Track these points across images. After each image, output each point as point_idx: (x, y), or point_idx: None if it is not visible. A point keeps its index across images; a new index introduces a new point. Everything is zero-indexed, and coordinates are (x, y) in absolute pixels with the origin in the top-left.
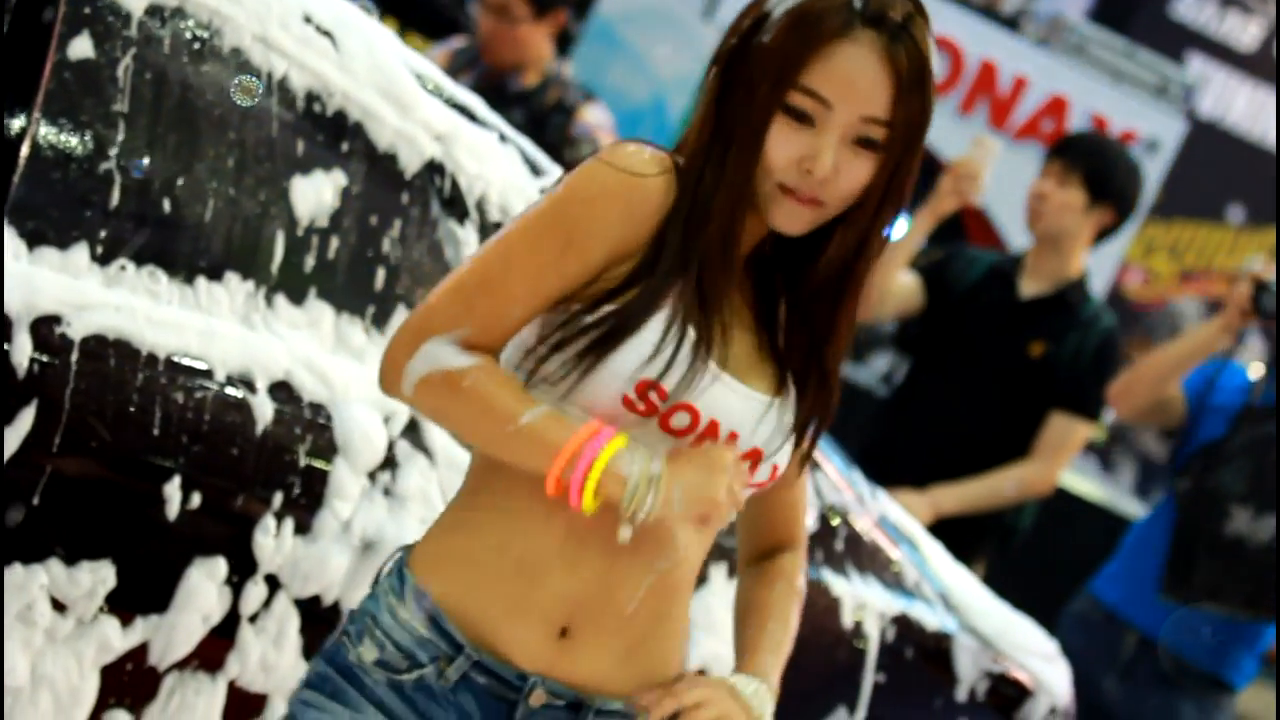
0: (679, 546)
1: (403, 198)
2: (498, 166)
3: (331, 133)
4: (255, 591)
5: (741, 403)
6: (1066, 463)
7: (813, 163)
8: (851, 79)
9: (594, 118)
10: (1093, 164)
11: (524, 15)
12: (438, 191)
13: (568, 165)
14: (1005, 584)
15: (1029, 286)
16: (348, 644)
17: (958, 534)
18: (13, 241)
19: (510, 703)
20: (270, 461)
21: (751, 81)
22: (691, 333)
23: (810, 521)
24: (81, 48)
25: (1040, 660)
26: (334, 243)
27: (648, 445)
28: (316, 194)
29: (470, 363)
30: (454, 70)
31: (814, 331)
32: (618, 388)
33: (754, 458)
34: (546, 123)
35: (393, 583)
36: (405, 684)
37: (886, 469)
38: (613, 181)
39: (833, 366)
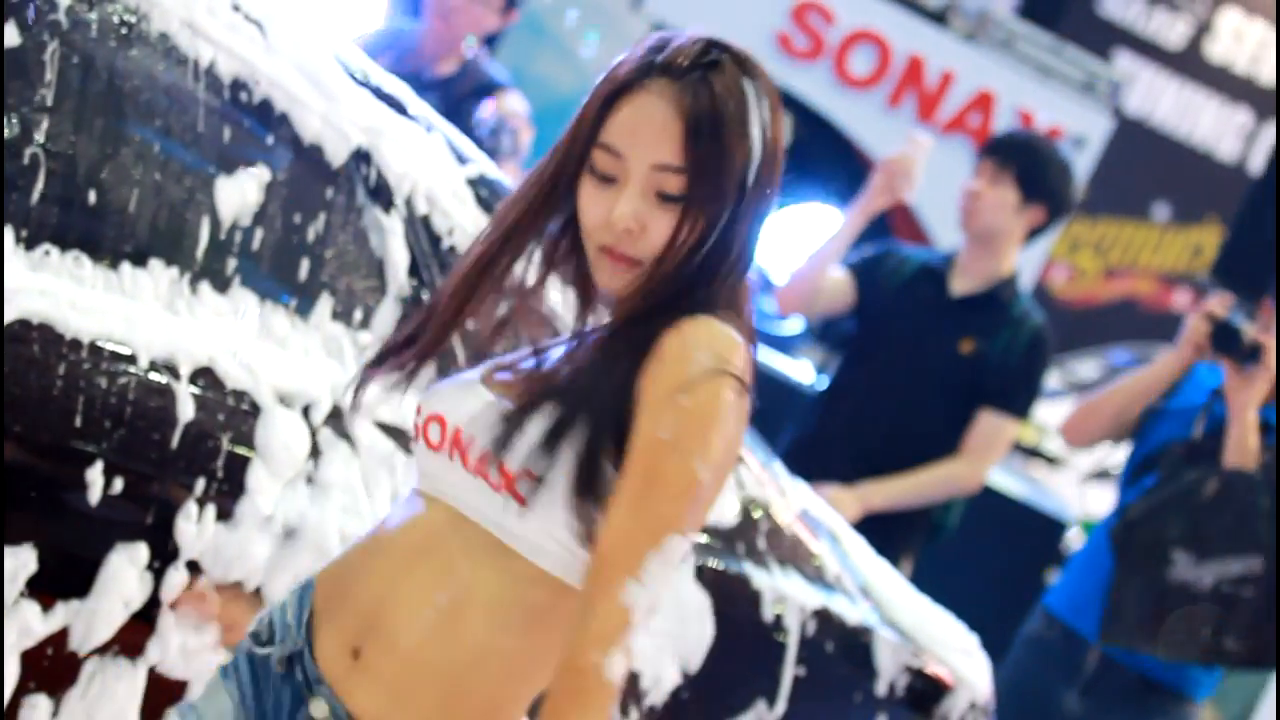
0: (463, 584)
1: (329, 186)
2: (424, 157)
3: (258, 120)
4: (176, 577)
5: (481, 408)
6: (995, 461)
7: (613, 215)
8: (639, 126)
9: (508, 106)
10: (1025, 163)
11: (497, 3)
12: (364, 180)
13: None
14: (931, 580)
15: (960, 284)
16: None
17: (884, 531)
18: None
19: (303, 703)
20: (193, 448)
21: (563, 146)
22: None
23: (731, 514)
24: (8, 36)
25: (960, 654)
26: (259, 232)
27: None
28: (240, 193)
29: None
30: (372, 54)
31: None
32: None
33: (483, 459)
34: (460, 110)
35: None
36: (255, 656)
37: (816, 465)
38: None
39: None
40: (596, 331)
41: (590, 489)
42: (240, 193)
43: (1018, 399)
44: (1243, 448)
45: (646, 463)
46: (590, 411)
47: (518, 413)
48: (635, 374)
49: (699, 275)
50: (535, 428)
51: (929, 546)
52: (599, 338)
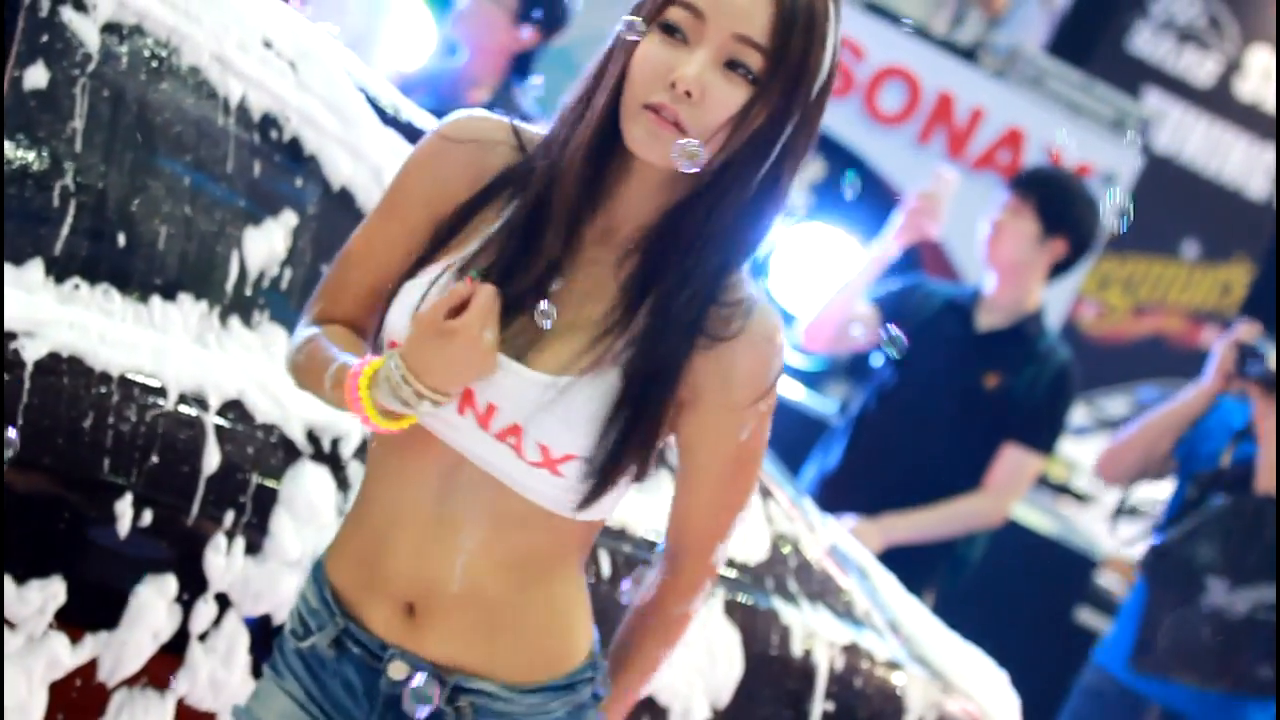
0: (488, 523)
1: (357, 221)
2: None
3: (287, 156)
4: (205, 610)
5: (506, 378)
6: (1019, 495)
7: (677, 73)
8: None
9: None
10: (1046, 196)
11: (509, 6)
12: None
13: None
14: (960, 617)
15: (986, 319)
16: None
17: (905, 564)
18: None
19: (378, 673)
20: (222, 480)
21: (636, 8)
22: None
23: (761, 550)
24: (36, 76)
25: (989, 691)
26: (289, 268)
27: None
28: (268, 244)
29: (308, 333)
30: (408, 92)
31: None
32: (393, 336)
33: (514, 433)
34: None
35: (313, 562)
36: (304, 651)
37: (841, 498)
38: (429, 144)
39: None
40: (610, 264)
41: (643, 471)
42: (268, 243)
43: (1042, 434)
44: (1273, 473)
45: (736, 462)
46: (650, 397)
47: (562, 394)
48: (690, 348)
49: (746, 209)
50: (587, 410)
51: (953, 581)
52: (633, 291)
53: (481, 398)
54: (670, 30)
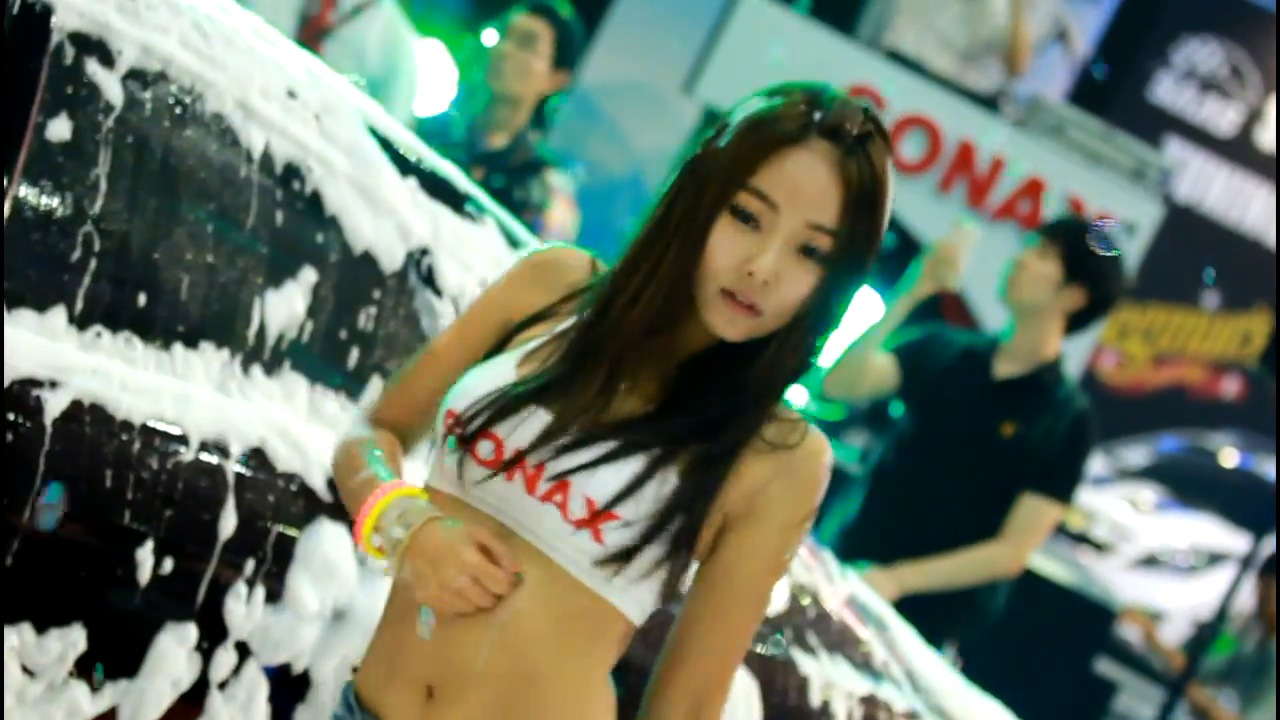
0: (524, 597)
1: (381, 271)
2: (476, 246)
3: (310, 204)
4: (225, 658)
5: (533, 424)
6: (1036, 545)
7: (754, 264)
8: (800, 184)
9: (554, 182)
10: (1072, 243)
11: (545, 53)
12: (415, 265)
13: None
14: (978, 667)
15: (1003, 367)
16: None
17: (929, 615)
18: None
19: None
20: (242, 529)
21: (703, 183)
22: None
23: (780, 600)
24: (60, 129)
25: None
26: (310, 319)
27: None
28: (289, 305)
29: (356, 434)
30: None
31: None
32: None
33: (560, 489)
34: (510, 185)
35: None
36: None
37: (860, 547)
38: (513, 270)
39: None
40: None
41: (681, 561)
42: (288, 304)
43: (1059, 483)
44: None
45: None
46: (700, 476)
47: (614, 454)
48: (740, 447)
49: (805, 340)
50: (633, 468)
51: (976, 631)
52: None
53: (533, 458)
54: (744, 217)
